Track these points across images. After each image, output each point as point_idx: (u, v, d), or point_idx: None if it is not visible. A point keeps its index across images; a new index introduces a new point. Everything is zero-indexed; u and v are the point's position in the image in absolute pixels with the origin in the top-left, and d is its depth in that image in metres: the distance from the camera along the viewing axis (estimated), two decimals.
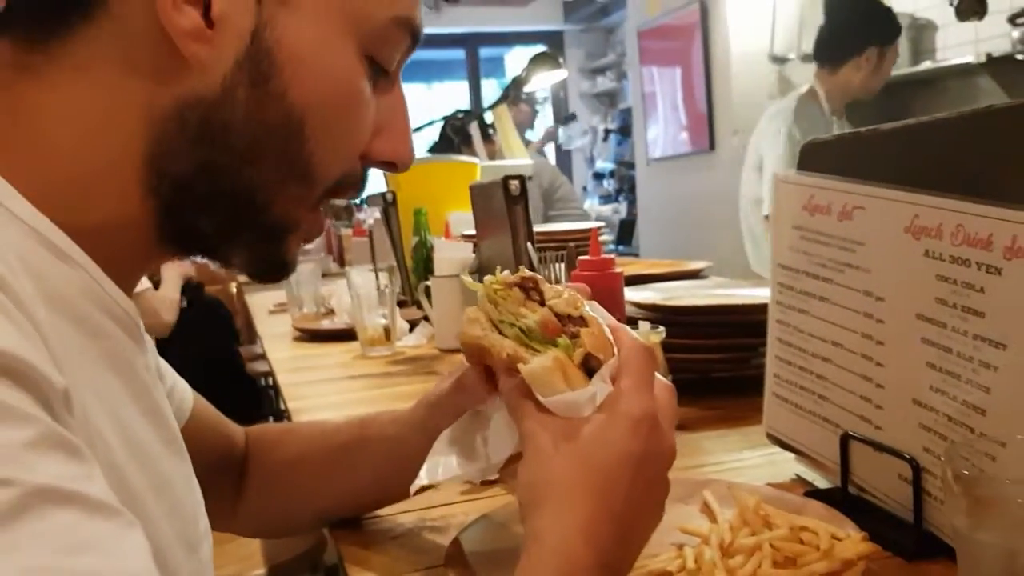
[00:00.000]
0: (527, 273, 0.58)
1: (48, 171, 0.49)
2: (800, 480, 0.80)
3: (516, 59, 7.52)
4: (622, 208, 6.80)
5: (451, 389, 0.68)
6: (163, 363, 0.71)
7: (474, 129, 3.22)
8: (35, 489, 0.33)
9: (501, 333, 0.56)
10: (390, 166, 0.59)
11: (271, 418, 3.49)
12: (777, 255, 0.79)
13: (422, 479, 0.61)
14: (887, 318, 0.66)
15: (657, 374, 0.55)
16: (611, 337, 0.55)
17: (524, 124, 5.95)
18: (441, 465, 0.62)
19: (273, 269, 0.59)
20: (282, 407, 1.43)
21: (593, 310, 0.57)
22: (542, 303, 0.56)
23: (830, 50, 2.80)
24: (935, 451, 0.62)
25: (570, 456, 0.51)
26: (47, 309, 0.43)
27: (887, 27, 2.78)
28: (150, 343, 0.67)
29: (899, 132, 0.69)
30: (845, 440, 0.71)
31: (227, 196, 0.53)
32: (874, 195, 0.67)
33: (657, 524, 0.54)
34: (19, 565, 0.31)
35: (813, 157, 0.79)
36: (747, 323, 1.13)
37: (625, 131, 6.83)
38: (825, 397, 0.74)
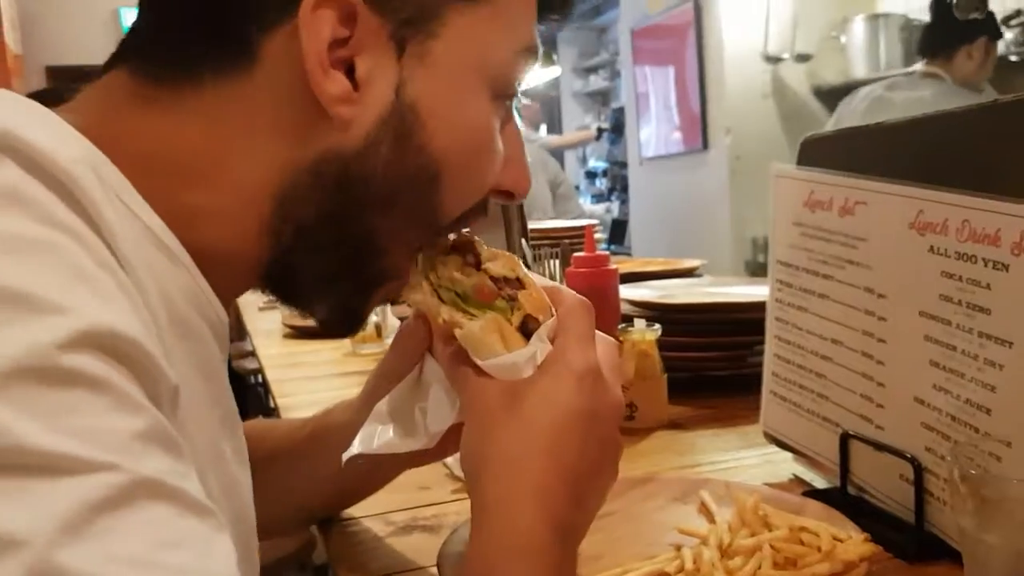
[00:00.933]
0: (464, 237, 0.57)
1: (175, 194, 0.49)
2: (798, 480, 0.79)
3: None
4: (614, 207, 6.79)
5: (390, 352, 0.67)
6: None
7: None
8: (140, 479, 0.34)
9: (441, 300, 0.55)
10: (508, 196, 0.59)
11: (260, 416, 3.48)
12: (776, 252, 0.77)
13: (355, 448, 0.60)
14: (889, 315, 0.65)
15: (598, 331, 0.55)
16: (548, 299, 0.55)
17: (533, 121, 5.94)
18: (377, 435, 0.61)
19: (350, 322, 0.59)
20: (271, 405, 1.41)
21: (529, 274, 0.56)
22: (479, 267, 0.55)
23: (945, 36, 2.90)
24: (937, 451, 0.61)
25: (514, 419, 0.51)
26: (158, 306, 0.43)
27: (993, 22, 2.91)
28: None
29: (902, 126, 0.68)
30: (845, 439, 0.70)
31: (350, 241, 0.53)
32: (877, 190, 0.65)
33: (612, 484, 0.54)
34: (112, 551, 0.32)
35: (813, 151, 0.78)
36: (743, 321, 1.12)
37: (617, 130, 6.82)
38: (824, 396, 0.73)
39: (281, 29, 0.49)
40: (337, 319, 0.58)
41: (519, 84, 0.57)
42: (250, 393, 4.05)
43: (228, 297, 0.56)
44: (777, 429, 0.79)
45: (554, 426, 0.50)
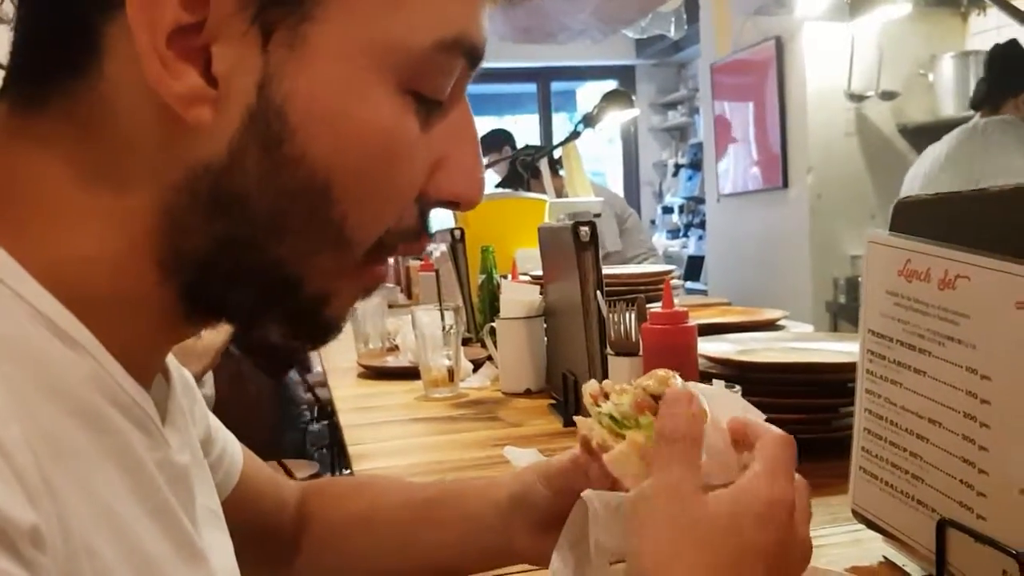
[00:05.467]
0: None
1: (53, 245, 0.43)
2: (889, 564, 0.74)
3: (588, 94, 7.52)
4: (691, 243, 6.71)
5: (566, 464, 0.65)
6: (215, 424, 0.69)
7: (543, 165, 3.20)
8: None
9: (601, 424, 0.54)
10: (453, 205, 0.51)
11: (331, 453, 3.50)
12: (868, 320, 0.73)
13: None
14: (994, 399, 0.60)
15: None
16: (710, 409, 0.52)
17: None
18: None
19: (316, 337, 0.52)
20: (338, 442, 1.42)
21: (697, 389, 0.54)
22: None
23: (994, 89, 3.04)
24: None
25: (694, 536, 0.46)
26: (46, 402, 0.39)
27: None
28: (198, 415, 0.65)
29: (1007, 195, 0.64)
30: (942, 527, 0.65)
31: (255, 273, 0.46)
32: (981, 264, 0.61)
33: None
34: None
35: (907, 217, 0.74)
36: (829, 382, 1.07)
37: (695, 166, 6.75)
38: (919, 478, 0.68)
39: (123, 14, 0.41)
40: (304, 339, 0.52)
41: (445, 87, 0.48)
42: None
43: (162, 354, 0.51)
44: (867, 508, 0.75)
45: (734, 558, 0.45)
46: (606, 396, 0.56)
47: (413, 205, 0.50)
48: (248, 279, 0.46)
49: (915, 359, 0.68)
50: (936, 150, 3.11)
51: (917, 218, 0.72)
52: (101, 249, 0.44)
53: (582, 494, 0.54)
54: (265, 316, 0.50)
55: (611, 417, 0.53)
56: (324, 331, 0.51)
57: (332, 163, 0.44)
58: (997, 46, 3.12)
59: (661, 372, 0.54)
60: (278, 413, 4.35)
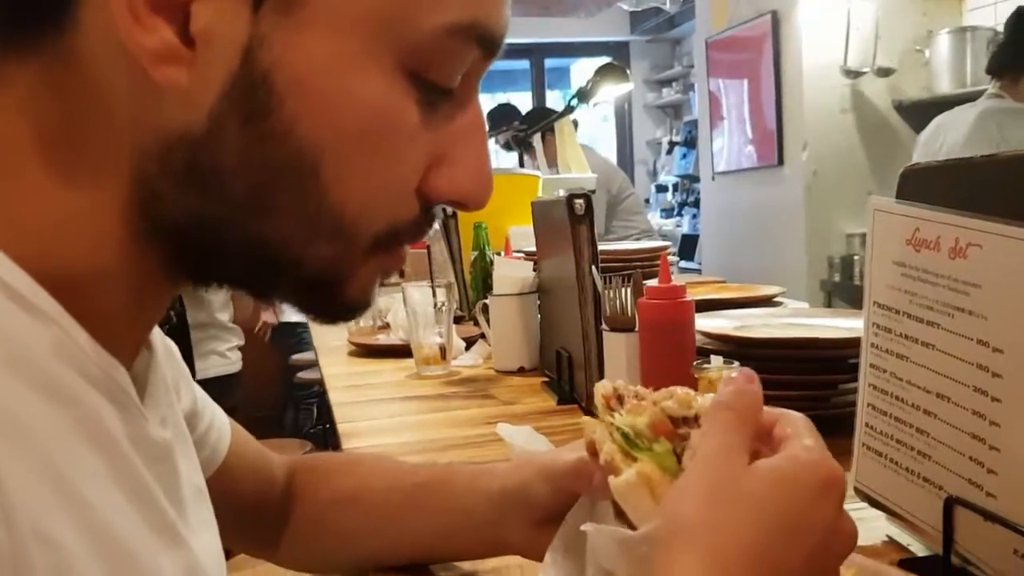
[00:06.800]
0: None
1: (16, 209, 0.40)
2: (892, 543, 0.72)
3: (582, 70, 7.46)
4: (684, 222, 6.68)
5: (569, 467, 0.61)
6: (202, 397, 0.66)
7: (536, 141, 3.16)
8: None
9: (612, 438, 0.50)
10: (457, 205, 0.48)
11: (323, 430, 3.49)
12: (874, 292, 0.71)
13: None
14: (1006, 373, 0.58)
15: None
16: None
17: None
18: None
19: (333, 315, 0.49)
20: (328, 424, 1.39)
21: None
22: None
23: (1015, 58, 2.87)
24: None
25: (740, 504, 0.41)
26: (4, 374, 0.36)
27: None
28: (183, 388, 0.62)
29: (1021, 159, 0.62)
30: (950, 505, 0.63)
31: (240, 249, 0.43)
32: (994, 232, 0.59)
33: None
34: None
35: (914, 184, 0.71)
36: (828, 358, 1.05)
37: (689, 144, 6.71)
38: (926, 455, 0.66)
39: None
40: (318, 315, 0.49)
41: (454, 75, 0.45)
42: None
43: (143, 323, 0.47)
44: (870, 486, 0.72)
45: (782, 531, 0.41)
46: (620, 400, 0.52)
47: (414, 199, 0.46)
48: (234, 255, 0.44)
49: (923, 332, 0.65)
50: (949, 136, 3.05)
51: (925, 185, 0.69)
52: (70, 216, 0.41)
53: (583, 527, 0.49)
54: (270, 290, 0.47)
55: (623, 434, 0.49)
56: (344, 310, 0.48)
57: (321, 142, 0.41)
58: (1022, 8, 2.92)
59: (681, 392, 0.50)
60: (286, 391, 4.37)
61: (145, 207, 0.41)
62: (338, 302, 0.47)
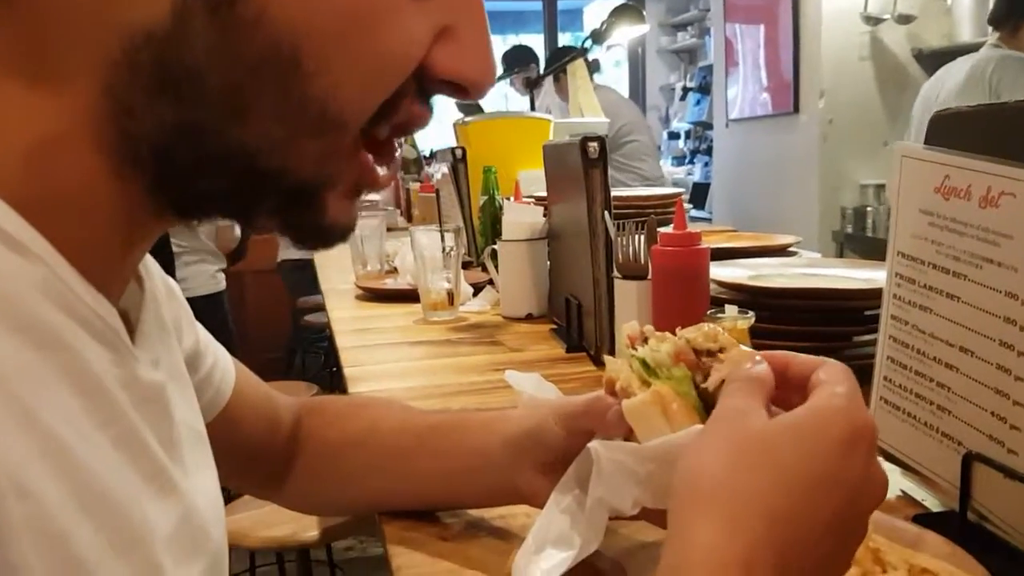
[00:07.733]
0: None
1: None
2: (907, 498, 0.71)
3: (595, 12, 7.32)
4: (696, 170, 6.61)
5: (584, 405, 0.60)
6: (204, 338, 0.64)
7: (548, 83, 3.11)
8: None
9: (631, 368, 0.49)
10: (458, 90, 0.43)
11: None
12: (898, 242, 0.68)
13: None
14: None
15: None
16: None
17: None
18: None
19: (317, 236, 0.45)
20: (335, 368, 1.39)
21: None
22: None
23: (1010, 7, 2.88)
24: None
25: (759, 464, 0.40)
26: None
27: None
28: (184, 327, 0.60)
29: None
30: (968, 461, 0.62)
31: (220, 161, 0.39)
32: None
33: None
34: None
35: (944, 130, 0.68)
36: (843, 309, 1.03)
37: (704, 90, 6.61)
38: (946, 409, 0.64)
39: None
40: (302, 237, 0.45)
41: None
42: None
43: (130, 256, 0.45)
44: (886, 440, 0.71)
45: (807, 485, 0.39)
46: (645, 340, 0.51)
47: (412, 83, 0.42)
48: (215, 169, 0.40)
49: (949, 283, 0.63)
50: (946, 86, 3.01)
51: (955, 132, 0.67)
52: (38, 138, 0.38)
53: (588, 445, 0.49)
54: (255, 207, 0.43)
55: (643, 362, 0.48)
56: (324, 231, 0.45)
57: (298, 26, 0.37)
58: None
59: (708, 327, 0.49)
60: (296, 334, 4.38)
61: (118, 123, 0.38)
62: (321, 217, 0.44)
